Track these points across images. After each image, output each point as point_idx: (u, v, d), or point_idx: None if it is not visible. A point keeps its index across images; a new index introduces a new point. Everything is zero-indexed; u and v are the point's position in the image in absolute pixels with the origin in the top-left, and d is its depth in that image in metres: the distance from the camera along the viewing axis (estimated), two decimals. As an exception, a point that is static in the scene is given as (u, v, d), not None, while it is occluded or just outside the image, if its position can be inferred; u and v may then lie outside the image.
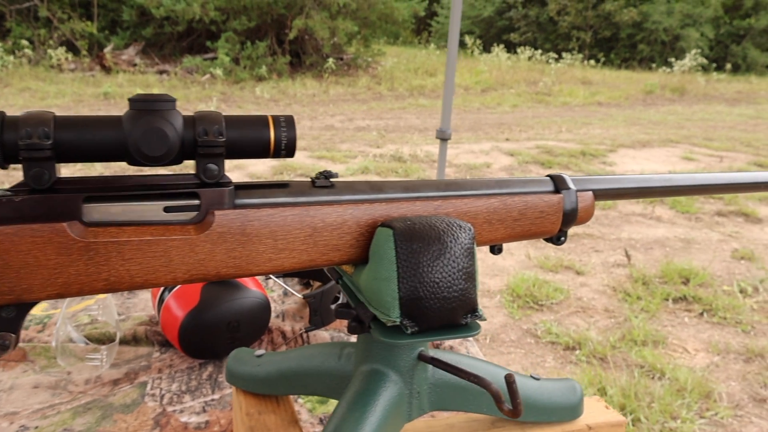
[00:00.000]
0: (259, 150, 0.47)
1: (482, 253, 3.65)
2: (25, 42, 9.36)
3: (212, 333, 0.78)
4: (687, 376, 2.32)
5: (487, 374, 0.53)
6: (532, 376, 0.59)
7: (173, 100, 0.45)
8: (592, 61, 13.50)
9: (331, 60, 10.32)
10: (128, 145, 0.43)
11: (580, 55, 13.41)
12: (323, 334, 0.87)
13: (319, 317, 0.85)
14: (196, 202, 0.46)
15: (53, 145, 0.42)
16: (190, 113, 0.47)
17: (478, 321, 0.46)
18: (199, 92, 8.79)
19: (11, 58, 8.99)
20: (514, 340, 2.71)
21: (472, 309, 0.46)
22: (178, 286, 0.81)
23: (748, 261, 3.63)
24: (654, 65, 14.19)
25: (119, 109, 7.58)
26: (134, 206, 0.45)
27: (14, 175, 4.36)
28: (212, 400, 0.73)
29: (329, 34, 10.27)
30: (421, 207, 0.50)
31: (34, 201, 0.43)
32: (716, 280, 3.32)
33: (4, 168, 0.43)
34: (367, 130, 7.47)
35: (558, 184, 0.55)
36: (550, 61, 12.12)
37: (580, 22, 15.24)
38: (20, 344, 0.84)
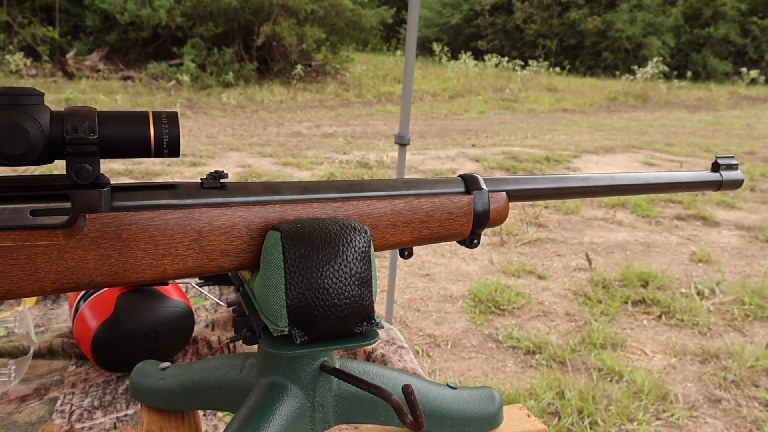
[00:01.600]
0: (138, 148, 0.43)
1: (445, 258, 3.64)
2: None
3: (128, 344, 0.74)
4: (644, 378, 2.33)
5: (397, 384, 0.50)
6: (448, 385, 0.56)
7: (40, 95, 0.41)
8: (558, 69, 13.69)
9: (299, 67, 10.27)
10: None
11: (546, 63, 13.58)
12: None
13: (245, 326, 0.81)
14: (67, 204, 0.43)
15: None
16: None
17: (375, 329, 0.44)
18: (165, 99, 8.65)
19: (-31, 64, 8.75)
20: (476, 345, 2.70)
21: (368, 316, 0.43)
22: (93, 295, 0.77)
23: (706, 264, 3.69)
24: (618, 72, 14.45)
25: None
26: None
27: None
28: (125, 415, 0.69)
29: (297, 41, 10.22)
30: (318, 209, 0.47)
31: None
32: (674, 283, 3.37)
33: None
34: (334, 137, 7.44)
35: (469, 184, 0.53)
36: (517, 68, 12.25)
37: (545, 30, 15.45)
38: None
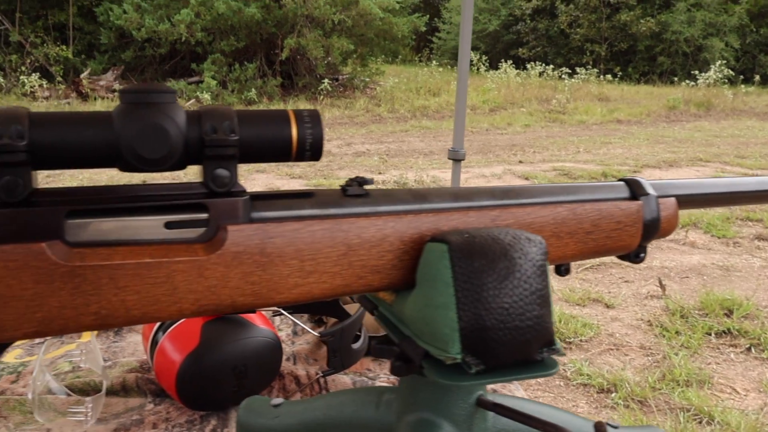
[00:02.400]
0: (279, 151, 0.42)
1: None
2: (-7, 70, 9.44)
3: (215, 380, 0.73)
4: (739, 420, 2.24)
5: (562, 423, 0.47)
6: (608, 424, 0.53)
7: (173, 92, 0.41)
8: (609, 76, 13.60)
9: (326, 81, 10.38)
10: (120, 147, 0.39)
11: (595, 70, 13.50)
12: (344, 379, 0.81)
13: (338, 359, 0.79)
14: (204, 215, 0.42)
15: (28, 146, 0.37)
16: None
17: (555, 357, 0.41)
18: (184, 118, 8.80)
19: (-20, 86, 9.06)
20: (541, 383, 2.63)
21: (549, 341, 0.41)
22: (174, 325, 0.76)
23: (797, 289, 3.57)
24: (676, 79, 14.28)
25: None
26: (129, 222, 0.41)
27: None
28: (217, 459, 0.68)
29: (323, 54, 10.35)
30: (475, 218, 0.46)
31: (6, 217, 0.38)
32: (762, 311, 3.26)
33: None
34: (368, 155, 7.46)
35: (635, 189, 0.51)
36: (563, 76, 12.20)
37: (593, 34, 15.40)
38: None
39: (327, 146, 8.11)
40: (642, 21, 14.91)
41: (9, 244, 0.37)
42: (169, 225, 0.41)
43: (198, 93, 9.55)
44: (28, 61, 10.18)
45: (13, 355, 0.90)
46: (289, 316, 0.90)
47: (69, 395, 0.77)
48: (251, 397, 0.60)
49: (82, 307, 0.38)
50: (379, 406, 0.50)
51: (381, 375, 0.86)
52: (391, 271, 0.44)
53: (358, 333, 0.83)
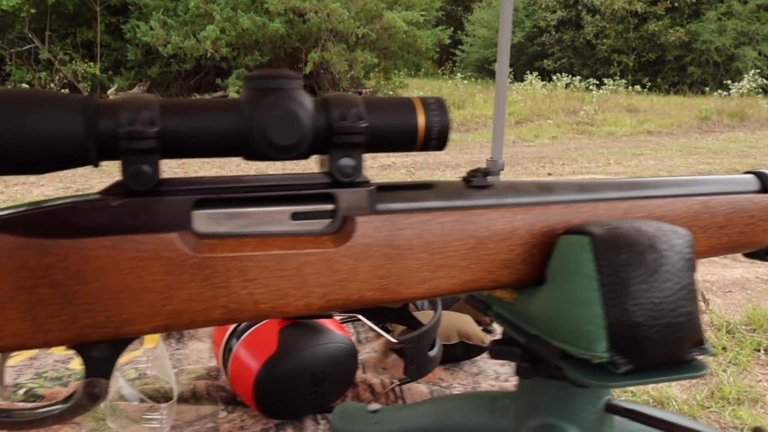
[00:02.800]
0: (405, 140, 0.41)
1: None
2: (26, 86, 9.63)
3: (293, 387, 0.71)
4: (797, 438, 2.17)
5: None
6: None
7: (299, 77, 0.39)
8: (637, 87, 13.49)
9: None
10: (251, 134, 0.37)
11: (623, 81, 13.41)
12: (420, 388, 0.79)
13: (415, 367, 0.77)
14: (330, 206, 0.40)
15: (159, 134, 0.36)
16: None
17: (705, 358, 0.39)
18: (210, 133, 8.90)
19: (9, 102, 9.24)
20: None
21: (699, 340, 0.38)
22: (249, 332, 0.74)
23: None
24: (707, 89, 14.12)
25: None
26: (256, 212, 0.39)
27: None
28: (299, 469, 0.66)
29: (347, 67, 10.42)
30: (605, 211, 0.44)
31: (135, 206, 0.37)
32: (813, 326, 3.17)
33: (96, 165, 0.37)
34: (393, 168, 7.46)
35: (766, 182, 0.48)
36: (591, 87, 12.13)
37: (621, 44, 15.30)
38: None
39: (353, 159, 8.12)
40: (671, 30, 14.79)
41: (140, 234, 0.36)
42: (295, 216, 0.40)
43: (223, 107, 9.65)
44: (57, 77, 10.38)
45: (80, 361, 0.89)
46: (367, 321, 0.88)
47: (143, 401, 0.76)
48: (345, 403, 0.58)
49: (210, 300, 0.37)
50: (494, 411, 0.48)
51: (455, 384, 0.84)
52: (520, 266, 0.42)
53: (435, 340, 0.81)
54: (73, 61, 10.60)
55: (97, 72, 10.71)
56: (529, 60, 16.48)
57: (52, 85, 10.10)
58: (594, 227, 0.39)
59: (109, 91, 10.29)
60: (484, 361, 0.91)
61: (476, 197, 0.43)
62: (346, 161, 0.40)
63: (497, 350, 0.45)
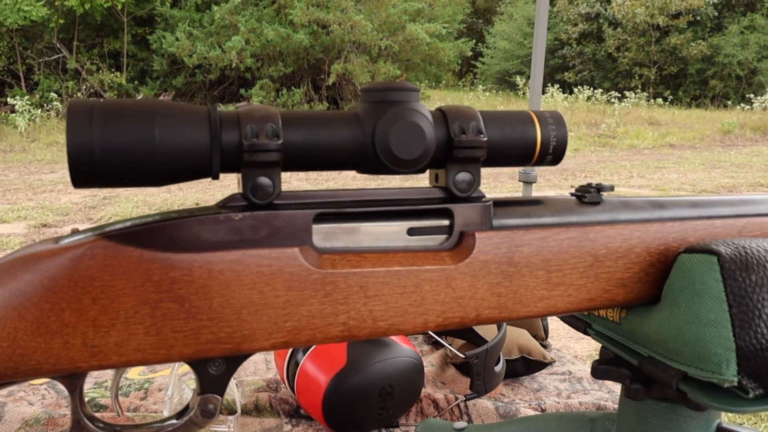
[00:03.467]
0: (521, 154, 0.40)
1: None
2: (53, 95, 9.76)
3: (362, 401, 0.70)
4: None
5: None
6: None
7: (417, 90, 0.39)
8: (659, 100, 13.39)
9: (372, 105, 10.45)
10: (373, 147, 0.37)
11: (645, 94, 13.31)
12: (486, 404, 0.78)
13: (482, 382, 0.76)
14: (446, 222, 0.39)
15: (282, 146, 0.36)
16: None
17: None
18: (234, 142, 8.96)
19: (39, 111, 9.36)
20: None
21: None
22: (315, 346, 0.73)
23: None
24: (729, 102, 13.98)
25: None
26: (373, 227, 0.39)
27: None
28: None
29: (369, 78, 10.44)
30: (721, 229, 0.43)
31: (257, 220, 0.36)
32: None
33: (216, 177, 0.37)
34: (417, 180, 7.46)
35: None
36: (612, 100, 12.06)
37: (642, 58, 15.21)
38: (126, 414, 0.77)
39: (376, 170, 8.13)
40: (693, 44, 14.67)
41: (264, 248, 0.35)
42: (411, 231, 0.39)
43: (247, 118, 9.71)
44: (84, 87, 10.51)
45: (137, 371, 0.89)
46: (437, 337, 0.87)
47: (208, 414, 0.75)
48: (428, 420, 0.57)
49: (331, 316, 0.36)
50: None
51: (516, 400, 0.83)
52: (636, 285, 0.41)
53: (500, 355, 0.80)
54: (100, 71, 10.73)
55: (124, 82, 10.83)
56: (550, 72, 16.41)
57: (79, 94, 10.22)
58: (720, 246, 0.38)
59: (134, 101, 10.39)
60: (543, 376, 0.90)
61: (591, 213, 0.42)
62: (464, 176, 0.39)
63: (602, 370, 0.44)
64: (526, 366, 0.87)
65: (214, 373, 0.38)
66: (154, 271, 0.34)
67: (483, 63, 18.00)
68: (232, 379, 0.82)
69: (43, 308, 0.34)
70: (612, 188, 0.44)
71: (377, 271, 0.37)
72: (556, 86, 12.75)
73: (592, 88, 13.00)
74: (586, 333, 0.46)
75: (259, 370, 0.91)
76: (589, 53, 16.01)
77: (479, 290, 0.38)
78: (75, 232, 0.37)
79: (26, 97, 9.46)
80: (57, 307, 0.34)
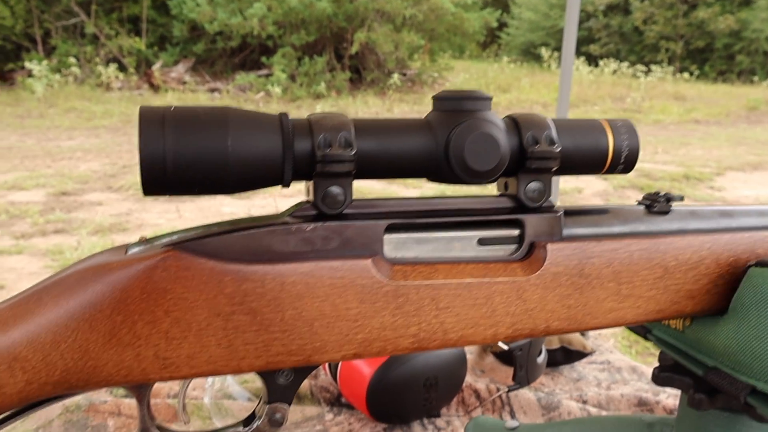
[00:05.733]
0: (593, 163, 0.40)
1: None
2: (72, 60, 9.76)
3: (406, 392, 0.71)
4: None
5: None
6: None
7: (489, 98, 0.38)
8: (685, 74, 13.14)
9: (395, 76, 10.36)
10: (448, 157, 0.36)
11: (671, 68, 13.07)
12: (528, 395, 0.78)
13: (524, 373, 0.76)
14: (516, 232, 0.39)
15: (355, 156, 0.35)
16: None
17: None
18: (254, 111, 8.94)
19: (57, 76, 9.37)
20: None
21: None
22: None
23: None
24: (756, 78, 13.70)
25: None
26: (444, 237, 0.38)
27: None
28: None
29: (393, 48, 10.34)
30: None
31: (329, 230, 0.36)
32: None
33: (287, 185, 0.37)
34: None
35: None
36: (638, 74, 11.86)
37: (669, 31, 14.89)
38: (167, 401, 0.78)
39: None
40: (720, 18, 14.33)
41: (337, 260, 0.35)
42: (481, 241, 0.39)
43: (269, 86, 9.68)
44: (103, 52, 10.50)
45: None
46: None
47: (251, 400, 0.76)
48: (479, 417, 0.58)
49: (402, 328, 0.36)
50: (654, 440, 0.47)
51: (556, 390, 0.83)
52: (704, 297, 0.40)
53: (542, 347, 0.80)
54: (119, 36, 10.71)
55: (143, 47, 10.81)
56: (576, 45, 16.15)
57: (97, 59, 10.22)
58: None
59: (153, 67, 10.39)
60: (582, 366, 0.90)
61: (660, 223, 0.41)
62: (535, 185, 0.38)
63: (664, 378, 0.44)
64: (565, 355, 0.87)
65: (282, 383, 0.39)
66: (227, 283, 0.34)
67: (508, 34, 17.75)
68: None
69: (116, 320, 0.33)
70: (682, 198, 0.43)
71: (449, 283, 0.36)
72: (582, 58, 12.55)
73: (618, 61, 12.78)
74: (645, 338, 0.46)
75: (296, 353, 0.92)
76: (616, 26, 15.71)
77: (549, 302, 0.38)
78: (143, 240, 0.38)
79: (44, 61, 9.45)
80: (129, 319, 0.34)
